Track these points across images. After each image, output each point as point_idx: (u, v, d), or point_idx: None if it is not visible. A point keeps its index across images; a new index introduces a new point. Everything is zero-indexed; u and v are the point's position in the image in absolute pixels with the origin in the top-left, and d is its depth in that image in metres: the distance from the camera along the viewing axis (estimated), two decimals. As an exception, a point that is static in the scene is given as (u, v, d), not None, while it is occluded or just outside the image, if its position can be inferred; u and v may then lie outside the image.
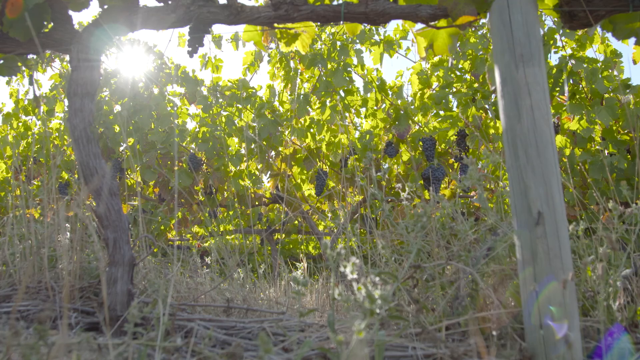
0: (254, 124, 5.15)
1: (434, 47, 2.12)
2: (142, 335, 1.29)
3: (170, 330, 1.50)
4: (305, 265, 3.31)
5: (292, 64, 5.43)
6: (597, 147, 4.11)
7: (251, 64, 5.86)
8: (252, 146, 5.11)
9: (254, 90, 5.42)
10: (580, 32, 4.39)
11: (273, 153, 5.51)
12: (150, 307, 1.38)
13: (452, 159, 4.82)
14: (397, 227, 2.03)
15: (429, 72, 4.99)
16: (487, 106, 4.45)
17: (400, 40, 5.24)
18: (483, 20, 3.96)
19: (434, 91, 4.91)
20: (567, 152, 4.21)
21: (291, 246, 6.84)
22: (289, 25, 2.27)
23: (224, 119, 5.47)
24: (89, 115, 1.81)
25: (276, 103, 5.58)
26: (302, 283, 1.28)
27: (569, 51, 4.45)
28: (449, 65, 4.86)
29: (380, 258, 2.15)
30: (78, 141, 1.78)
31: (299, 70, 5.41)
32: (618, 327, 1.47)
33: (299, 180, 5.63)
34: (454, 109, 4.72)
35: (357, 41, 5.17)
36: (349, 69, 4.95)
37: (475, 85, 4.66)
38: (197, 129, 5.47)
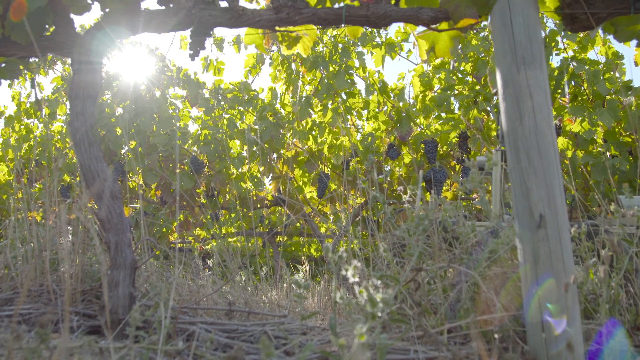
0: (256, 127, 5.15)
1: (436, 49, 2.12)
2: (144, 338, 1.28)
3: (172, 334, 1.50)
4: (307, 267, 3.30)
5: (293, 67, 5.43)
6: (599, 149, 4.10)
7: (253, 67, 5.86)
8: (254, 149, 5.12)
9: (255, 93, 5.42)
10: (581, 35, 4.38)
11: (275, 155, 5.51)
12: (152, 310, 1.38)
13: (454, 161, 4.81)
14: (398, 229, 2.03)
15: (431, 74, 4.99)
16: (488, 108, 4.45)
17: (402, 42, 5.24)
18: (485, 23, 3.96)
19: (436, 93, 4.91)
20: (569, 154, 4.20)
21: (293, 249, 6.84)
22: (291, 28, 2.28)
23: (225, 122, 5.47)
24: (91, 118, 1.82)
25: (278, 105, 5.58)
26: (304, 286, 1.28)
27: (571, 53, 4.45)
28: (451, 67, 4.86)
29: (382, 261, 2.15)
30: (79, 144, 1.78)
31: (301, 73, 5.42)
32: (617, 327, 1.47)
33: (300, 183, 5.63)
34: (456, 111, 4.72)
35: (359, 44, 5.17)
36: (350, 71, 4.95)
37: (477, 87, 4.66)
38: (199, 132, 5.48)
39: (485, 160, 3.47)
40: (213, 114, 5.42)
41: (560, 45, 4.47)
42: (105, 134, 5.12)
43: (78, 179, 5.05)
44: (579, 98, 4.20)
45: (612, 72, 4.14)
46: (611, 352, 1.40)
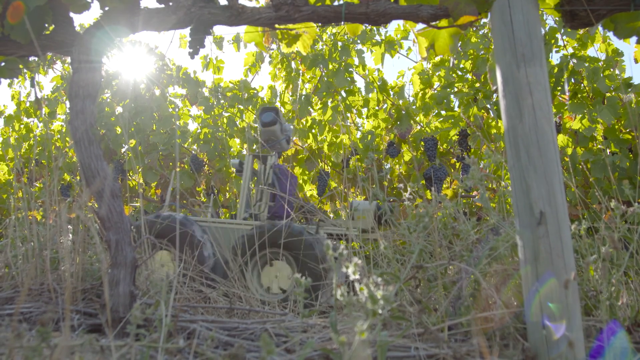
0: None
1: (435, 47, 2.12)
2: (145, 336, 1.29)
3: (173, 332, 1.50)
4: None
5: (293, 65, 5.43)
6: (599, 146, 4.10)
7: (252, 65, 5.85)
8: (254, 147, 5.11)
9: (255, 91, 5.42)
10: (581, 31, 4.38)
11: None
12: (152, 308, 1.38)
13: (454, 159, 4.81)
14: (399, 227, 2.03)
15: (431, 72, 4.99)
16: (488, 106, 4.45)
17: (402, 40, 5.23)
18: (484, 20, 3.95)
19: (436, 91, 4.91)
20: (569, 151, 4.20)
21: (293, 247, 6.82)
22: (290, 26, 2.27)
23: (225, 120, 5.47)
24: (91, 117, 1.81)
25: (278, 104, 5.58)
26: (305, 283, 1.28)
27: (571, 50, 4.44)
28: (451, 65, 4.85)
29: (383, 258, 2.15)
30: (79, 143, 1.78)
31: (300, 71, 5.41)
32: (617, 325, 1.47)
33: (300, 181, 5.63)
34: (456, 108, 4.71)
35: (359, 41, 5.17)
36: (350, 69, 4.95)
37: (477, 85, 4.66)
38: (199, 130, 5.48)
39: (237, 163, 3.83)
40: (213, 113, 5.42)
41: (560, 43, 4.47)
42: (105, 132, 5.12)
43: (78, 177, 5.05)
44: (579, 95, 4.19)
45: (612, 69, 4.14)
46: (612, 350, 1.40)
